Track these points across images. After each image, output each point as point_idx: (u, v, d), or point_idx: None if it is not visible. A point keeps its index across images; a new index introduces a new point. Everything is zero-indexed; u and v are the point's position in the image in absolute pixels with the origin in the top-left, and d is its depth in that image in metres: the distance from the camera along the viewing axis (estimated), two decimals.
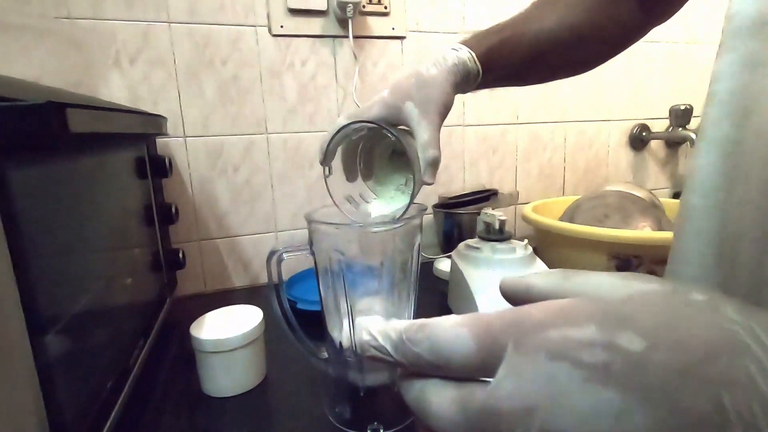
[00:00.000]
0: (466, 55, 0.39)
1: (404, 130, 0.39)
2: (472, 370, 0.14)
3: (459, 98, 0.87)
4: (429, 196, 0.86)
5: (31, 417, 0.26)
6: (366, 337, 0.17)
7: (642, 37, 0.46)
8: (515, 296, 0.19)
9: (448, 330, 0.15)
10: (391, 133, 0.37)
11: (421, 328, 0.15)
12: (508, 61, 0.41)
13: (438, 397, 0.15)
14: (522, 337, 0.13)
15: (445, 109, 0.39)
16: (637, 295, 0.15)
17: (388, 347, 0.16)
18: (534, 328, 0.13)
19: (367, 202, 0.43)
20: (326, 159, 0.40)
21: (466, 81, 0.40)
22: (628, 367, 0.11)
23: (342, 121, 0.39)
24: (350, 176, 0.43)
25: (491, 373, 0.13)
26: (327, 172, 0.40)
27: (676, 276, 0.33)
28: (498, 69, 0.41)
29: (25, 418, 0.26)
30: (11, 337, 0.25)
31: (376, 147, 0.43)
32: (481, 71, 0.40)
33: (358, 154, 0.43)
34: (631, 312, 0.13)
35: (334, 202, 0.40)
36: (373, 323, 0.17)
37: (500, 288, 0.20)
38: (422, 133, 0.37)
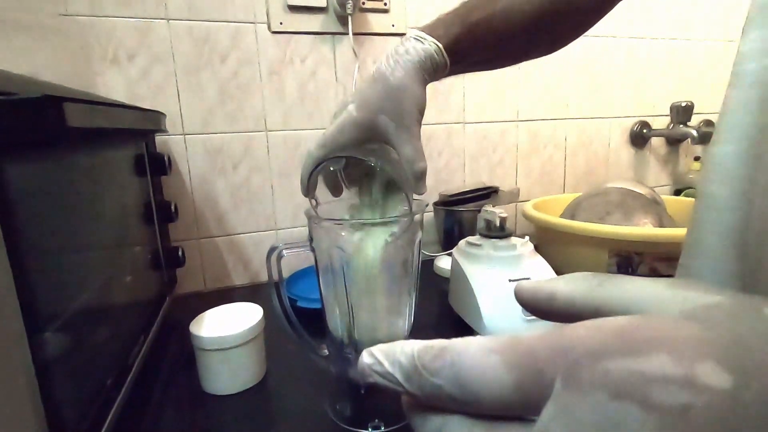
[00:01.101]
0: (433, 47, 0.36)
1: (382, 146, 0.38)
2: (507, 408, 0.12)
3: (459, 95, 0.88)
4: (429, 193, 0.85)
5: (29, 415, 0.25)
6: (368, 360, 0.14)
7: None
8: (535, 304, 0.16)
9: (477, 357, 0.12)
10: (373, 162, 0.37)
11: (440, 353, 0.12)
12: (478, 48, 0.38)
13: None
14: (574, 369, 0.11)
15: (421, 114, 0.36)
16: (701, 310, 0.12)
17: (398, 375, 0.13)
18: (588, 357, 0.11)
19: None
20: (309, 192, 0.39)
21: (434, 74, 0.37)
22: (716, 412, 0.09)
23: (315, 152, 0.37)
24: (336, 192, 0.41)
25: (532, 411, 0.11)
26: (314, 203, 0.40)
27: (692, 270, 0.31)
28: (467, 58, 0.38)
29: (23, 416, 0.25)
30: (9, 335, 0.24)
31: (366, 177, 0.41)
32: (449, 63, 0.37)
33: (338, 171, 0.41)
34: (706, 335, 0.10)
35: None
36: (378, 346, 0.14)
37: (516, 294, 0.17)
38: (404, 148, 0.35)
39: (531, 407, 0.11)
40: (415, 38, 0.36)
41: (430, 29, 0.37)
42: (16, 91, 0.25)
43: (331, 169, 0.39)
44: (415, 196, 0.38)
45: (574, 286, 0.15)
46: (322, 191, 0.41)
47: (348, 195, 0.42)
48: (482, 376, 0.12)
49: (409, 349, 0.13)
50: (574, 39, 0.43)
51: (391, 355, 0.13)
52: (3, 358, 0.24)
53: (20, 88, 0.26)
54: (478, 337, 0.13)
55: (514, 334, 0.12)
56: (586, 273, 0.15)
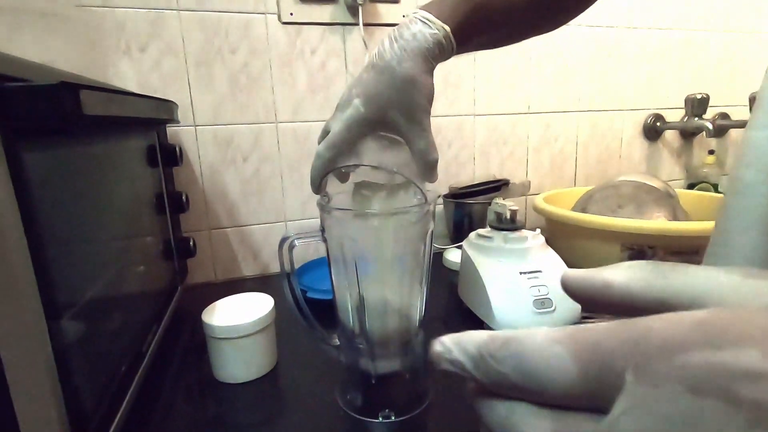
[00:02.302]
0: (442, 33, 0.33)
1: (390, 136, 0.37)
2: (573, 398, 0.11)
3: (470, 87, 0.87)
4: (439, 185, 0.85)
5: (49, 399, 0.26)
6: (439, 348, 0.14)
7: None
8: (587, 294, 0.15)
9: (541, 348, 0.12)
10: (389, 171, 0.37)
11: (506, 343, 0.13)
12: (484, 28, 0.36)
13: (532, 429, 0.12)
14: (647, 362, 0.10)
15: (430, 104, 0.35)
16: None
17: (466, 363, 0.13)
18: (664, 349, 0.10)
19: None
20: (320, 190, 0.39)
21: (439, 59, 0.35)
22: None
23: (324, 153, 0.36)
24: (343, 180, 0.41)
25: (599, 402, 0.11)
26: (326, 200, 0.39)
27: (721, 258, 0.30)
28: (473, 39, 0.36)
29: (43, 400, 0.26)
30: (29, 321, 0.25)
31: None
32: (455, 47, 0.35)
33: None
34: None
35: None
36: (448, 336, 0.14)
37: (564, 282, 0.16)
38: (417, 142, 0.35)
39: (597, 398, 0.11)
40: (422, 21, 0.34)
41: (437, 10, 0.34)
42: (33, 78, 0.26)
43: (343, 171, 0.39)
44: (428, 185, 0.38)
45: (631, 274, 0.14)
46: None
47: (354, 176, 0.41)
48: (546, 366, 0.12)
49: (478, 338, 0.13)
50: (579, 13, 0.41)
51: (461, 344, 0.14)
52: (23, 343, 0.25)
53: (36, 76, 0.26)
54: (543, 327, 0.13)
55: (579, 326, 0.12)
56: (641, 262, 0.15)
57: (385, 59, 0.33)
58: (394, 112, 0.34)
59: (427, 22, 0.33)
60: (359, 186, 0.39)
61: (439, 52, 0.34)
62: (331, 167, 0.37)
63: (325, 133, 0.38)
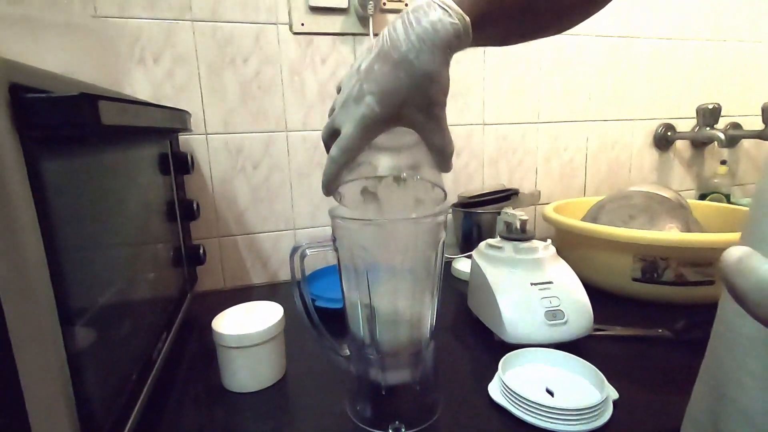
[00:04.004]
0: (462, 24, 0.31)
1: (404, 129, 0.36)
2: None
3: (479, 97, 0.87)
4: (448, 195, 0.85)
5: (61, 405, 0.26)
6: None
7: None
8: None
9: None
10: (407, 176, 0.36)
11: None
12: (500, 21, 0.34)
13: None
14: None
15: (446, 98, 0.33)
16: None
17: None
18: None
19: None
20: (332, 193, 0.37)
21: (456, 51, 0.33)
22: None
23: (338, 158, 0.34)
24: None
25: None
26: (339, 199, 0.38)
27: None
28: (486, 31, 0.34)
29: (56, 406, 0.26)
30: (44, 327, 0.25)
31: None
32: (470, 40, 0.33)
33: None
34: None
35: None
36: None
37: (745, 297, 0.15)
38: (434, 138, 0.34)
39: None
40: (441, 7, 0.30)
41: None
42: (53, 89, 0.26)
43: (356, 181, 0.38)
44: (442, 178, 0.37)
45: None
46: None
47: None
48: None
49: None
50: (591, 14, 0.39)
51: None
52: (38, 347, 0.25)
53: (55, 86, 0.27)
54: None
55: None
56: None
57: (401, 51, 0.30)
58: (411, 109, 0.32)
59: (447, 9, 0.30)
60: (365, 188, 0.39)
61: (456, 44, 0.32)
62: (344, 170, 0.35)
63: (331, 129, 0.35)
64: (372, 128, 0.33)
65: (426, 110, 0.32)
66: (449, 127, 0.35)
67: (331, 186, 0.36)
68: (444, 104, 0.33)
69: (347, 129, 0.33)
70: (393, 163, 0.37)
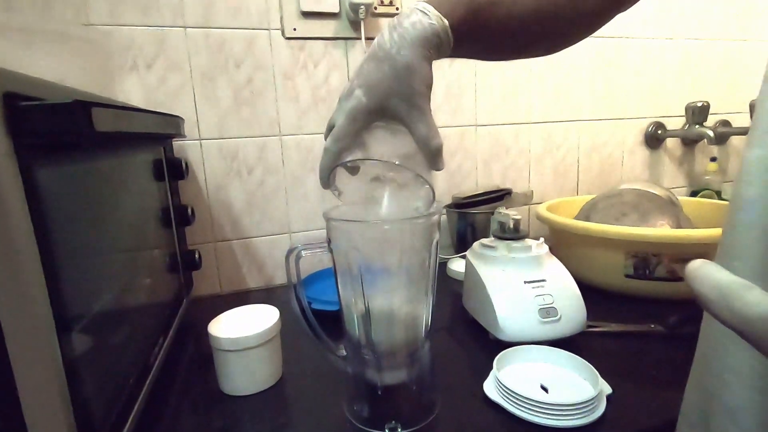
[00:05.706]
0: (439, 24, 0.34)
1: (395, 126, 0.37)
2: None
3: (471, 98, 0.88)
4: (442, 196, 0.86)
5: (58, 412, 0.26)
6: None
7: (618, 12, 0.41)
8: (731, 323, 0.16)
9: None
10: (393, 164, 0.37)
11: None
12: (480, 34, 0.37)
13: None
14: None
15: (429, 90, 0.36)
16: None
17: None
18: None
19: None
20: (329, 184, 0.39)
21: (437, 52, 0.35)
22: None
23: (331, 147, 0.36)
24: (353, 173, 0.41)
25: None
26: (336, 194, 0.40)
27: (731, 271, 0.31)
28: (468, 42, 0.37)
29: (53, 413, 0.26)
30: (40, 333, 0.25)
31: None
32: (452, 43, 0.35)
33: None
34: None
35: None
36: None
37: (703, 297, 0.18)
38: (418, 127, 0.35)
39: None
40: (420, 11, 0.34)
41: (437, 3, 0.35)
42: (46, 96, 0.26)
43: (349, 164, 0.39)
44: (433, 174, 0.38)
45: None
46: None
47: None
48: None
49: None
50: (575, 41, 0.41)
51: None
52: (35, 355, 0.25)
53: (48, 94, 0.27)
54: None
55: None
56: None
57: (385, 49, 0.34)
58: (395, 100, 0.34)
59: (426, 12, 0.34)
60: (369, 189, 0.40)
61: (437, 43, 0.34)
62: (338, 160, 0.37)
63: (331, 127, 0.38)
64: (359, 118, 0.35)
65: (409, 100, 0.35)
66: (443, 128, 0.35)
67: (326, 175, 0.38)
68: (427, 96, 0.35)
69: (338, 120, 0.36)
70: (388, 150, 0.38)
